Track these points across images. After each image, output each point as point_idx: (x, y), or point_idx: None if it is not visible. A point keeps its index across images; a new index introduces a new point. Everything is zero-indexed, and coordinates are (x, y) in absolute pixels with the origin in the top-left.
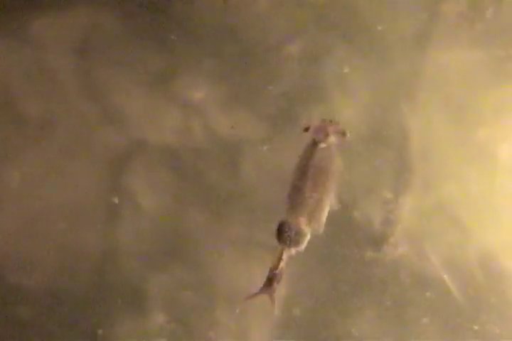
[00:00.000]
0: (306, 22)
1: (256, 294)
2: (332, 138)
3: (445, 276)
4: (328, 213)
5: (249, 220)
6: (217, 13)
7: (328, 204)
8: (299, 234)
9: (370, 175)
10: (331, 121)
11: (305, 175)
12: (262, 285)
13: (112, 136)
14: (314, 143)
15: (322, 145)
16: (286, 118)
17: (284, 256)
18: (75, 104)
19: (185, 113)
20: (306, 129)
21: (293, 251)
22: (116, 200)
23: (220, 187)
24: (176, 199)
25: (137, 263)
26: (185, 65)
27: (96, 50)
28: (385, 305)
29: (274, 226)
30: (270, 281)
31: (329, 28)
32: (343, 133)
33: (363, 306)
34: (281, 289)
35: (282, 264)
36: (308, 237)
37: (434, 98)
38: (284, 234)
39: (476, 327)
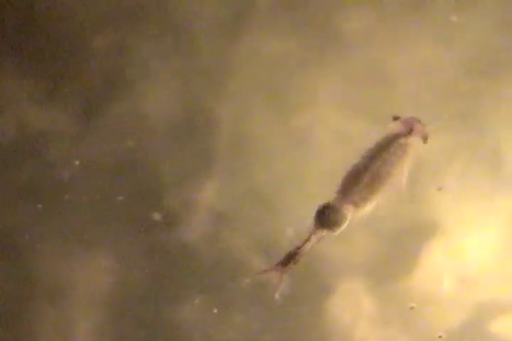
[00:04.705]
0: (113, 15)
1: (268, 270)
2: (413, 138)
3: (256, 260)
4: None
5: (72, 216)
6: (23, 5)
7: (378, 199)
8: (338, 218)
9: (178, 164)
10: (420, 122)
11: (370, 164)
12: (277, 262)
13: None
14: (395, 136)
15: (403, 140)
16: (94, 111)
17: (313, 238)
18: None
19: None
20: (396, 118)
21: (324, 232)
22: None
23: (40, 183)
24: None
25: None
26: None
27: None
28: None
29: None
30: (288, 259)
31: (138, 20)
32: (425, 138)
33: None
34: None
35: (308, 245)
36: (345, 224)
37: (246, 86)
38: (321, 214)
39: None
